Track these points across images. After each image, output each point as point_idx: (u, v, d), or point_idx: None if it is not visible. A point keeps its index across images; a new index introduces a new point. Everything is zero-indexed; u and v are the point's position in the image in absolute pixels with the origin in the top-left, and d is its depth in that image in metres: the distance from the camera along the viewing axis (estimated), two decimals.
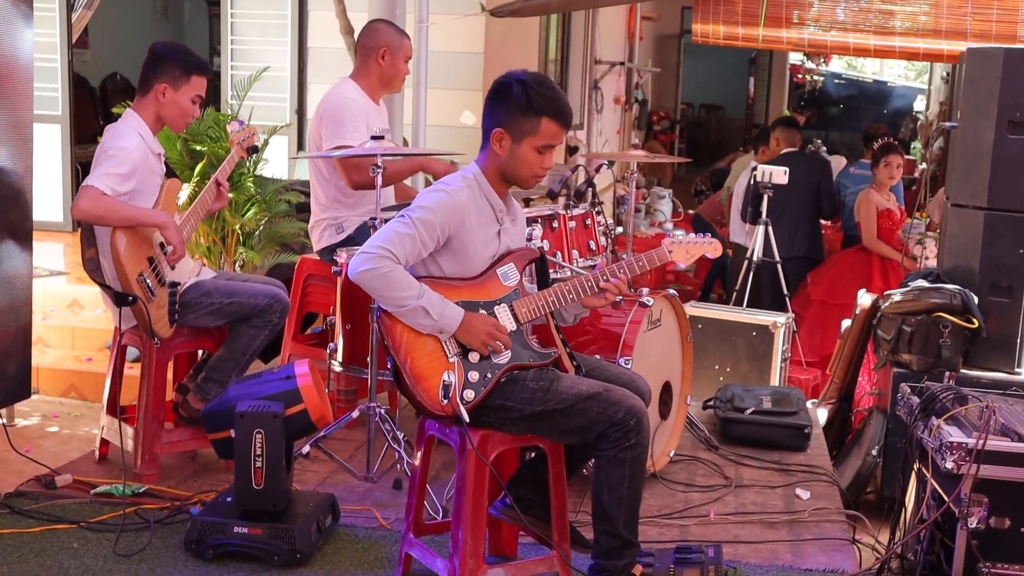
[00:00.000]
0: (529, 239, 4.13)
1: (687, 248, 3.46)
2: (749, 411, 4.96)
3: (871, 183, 8.07)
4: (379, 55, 4.76)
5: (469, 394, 3.14)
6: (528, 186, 3.34)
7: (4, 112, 4.21)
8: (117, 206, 3.89)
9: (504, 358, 3.19)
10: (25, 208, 4.44)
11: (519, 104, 3.17)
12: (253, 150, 4.44)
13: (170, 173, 4.29)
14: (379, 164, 4.07)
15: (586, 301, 3.34)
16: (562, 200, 4.54)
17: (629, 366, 4.04)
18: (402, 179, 4.93)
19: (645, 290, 4.38)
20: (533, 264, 3.42)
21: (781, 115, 17.07)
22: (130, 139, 3.99)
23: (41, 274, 6.81)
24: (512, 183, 3.31)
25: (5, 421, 5.08)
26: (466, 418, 3.11)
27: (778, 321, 6.00)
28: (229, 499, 3.66)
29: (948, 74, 14.36)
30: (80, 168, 8.30)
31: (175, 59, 4.10)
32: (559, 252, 4.36)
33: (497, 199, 3.30)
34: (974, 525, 3.70)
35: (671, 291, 4.48)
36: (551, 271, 4.14)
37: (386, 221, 4.10)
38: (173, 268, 4.11)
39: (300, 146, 8.22)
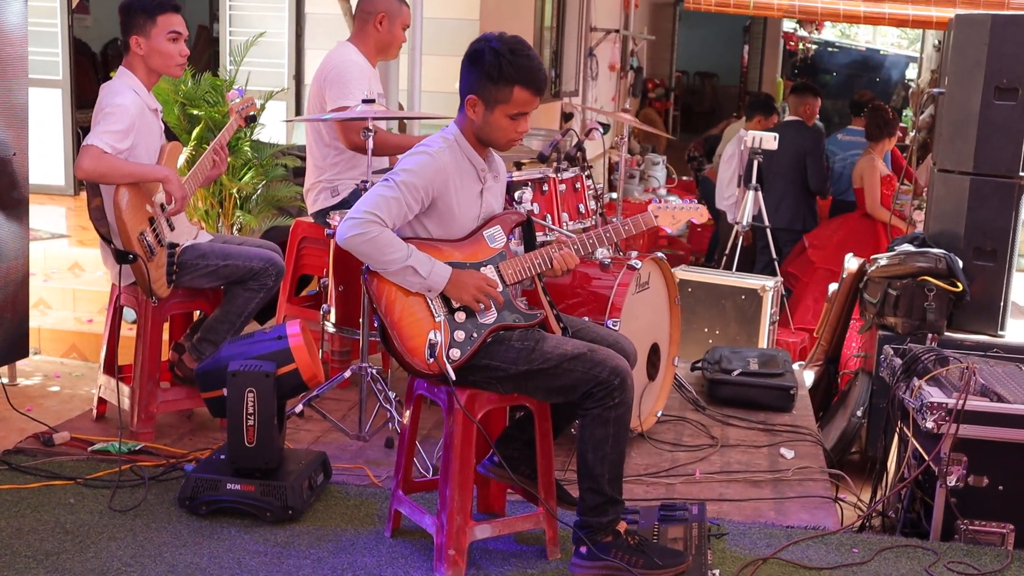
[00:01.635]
0: (519, 202, 4.19)
1: (673, 213, 3.51)
2: (736, 372, 5.04)
3: (866, 149, 8.07)
4: (377, 20, 4.80)
5: (455, 353, 3.20)
6: (504, 150, 3.40)
7: None
8: (119, 164, 3.95)
9: (490, 318, 3.26)
10: (13, 174, 4.44)
11: (491, 73, 3.19)
12: (251, 119, 4.48)
13: (171, 136, 4.33)
14: (370, 127, 4.12)
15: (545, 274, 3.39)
16: (553, 164, 4.59)
17: (617, 328, 4.10)
18: (396, 153, 4.96)
19: (634, 253, 4.44)
20: (520, 227, 3.48)
21: (775, 83, 17.08)
22: (125, 95, 4.04)
23: (42, 237, 6.90)
24: (489, 146, 3.37)
25: (7, 381, 5.16)
26: (452, 376, 3.18)
27: (766, 285, 6.06)
28: (223, 457, 3.74)
29: (940, 42, 14.35)
30: (81, 132, 8.36)
31: (137, 8, 4.11)
32: (549, 215, 4.41)
33: (478, 158, 3.35)
34: (953, 483, 3.79)
35: (659, 254, 4.54)
36: (540, 234, 4.21)
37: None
38: (173, 229, 4.17)
39: (298, 111, 8.26)
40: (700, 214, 3.54)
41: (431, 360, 3.18)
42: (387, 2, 4.82)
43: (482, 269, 3.29)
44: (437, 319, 3.22)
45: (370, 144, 4.15)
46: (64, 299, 6.49)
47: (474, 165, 3.34)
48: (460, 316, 3.23)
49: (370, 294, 3.27)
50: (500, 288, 3.29)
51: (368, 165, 4.19)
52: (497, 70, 3.19)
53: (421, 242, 3.27)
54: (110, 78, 4.23)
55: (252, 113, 4.45)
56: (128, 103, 4.02)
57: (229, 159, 5.86)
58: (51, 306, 6.45)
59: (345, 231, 3.18)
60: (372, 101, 4.26)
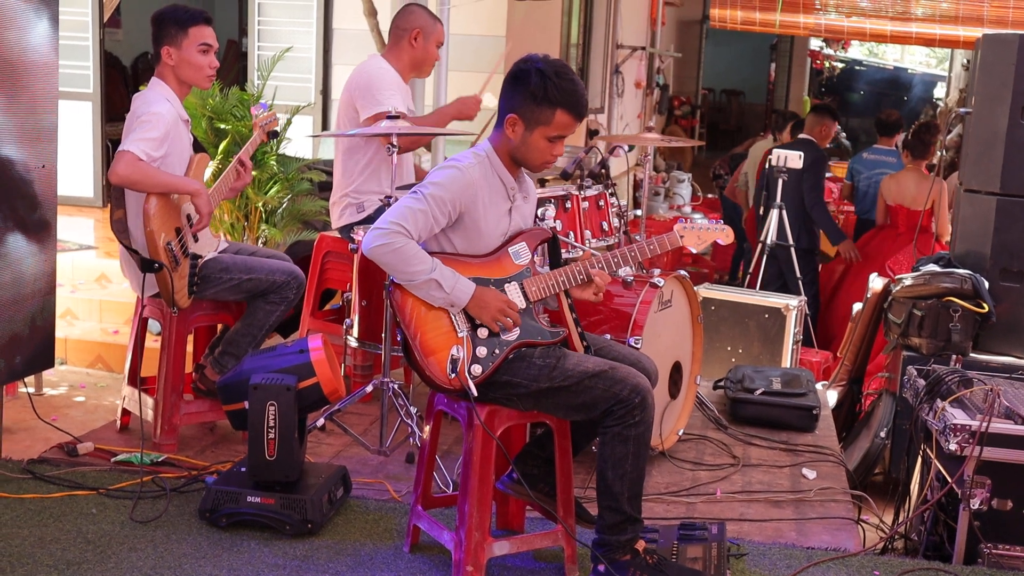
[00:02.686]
0: (542, 219, 4.20)
1: (699, 234, 3.50)
2: (759, 392, 5.02)
3: (908, 168, 7.92)
4: (412, 36, 4.83)
5: (476, 369, 3.20)
6: (537, 171, 3.41)
7: (18, 107, 4.19)
8: (152, 172, 3.98)
9: (513, 335, 3.26)
10: (34, 199, 4.33)
11: (535, 94, 3.21)
12: (273, 135, 4.53)
13: (198, 148, 4.37)
14: (394, 143, 4.14)
15: (572, 291, 3.39)
16: (576, 181, 4.60)
17: (639, 346, 4.10)
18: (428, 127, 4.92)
19: (656, 271, 4.44)
20: (545, 244, 3.49)
21: (801, 101, 17.05)
22: (160, 104, 4.09)
23: (70, 248, 6.97)
24: (522, 166, 3.38)
25: (33, 390, 5.20)
26: (474, 392, 3.18)
27: (790, 304, 6.04)
28: (243, 469, 3.75)
29: (968, 61, 14.29)
30: (111, 145, 8.45)
31: (169, 19, 4.18)
32: (572, 232, 4.42)
33: (509, 176, 3.36)
34: (976, 506, 3.76)
35: (682, 272, 4.53)
36: (563, 251, 4.22)
37: None
38: (196, 240, 4.21)
39: (324, 126, 8.31)
40: (726, 235, 3.51)
41: (452, 376, 3.18)
42: (422, 19, 4.85)
43: (506, 286, 3.29)
44: (460, 334, 3.22)
45: (394, 160, 4.16)
46: (91, 310, 6.55)
47: (504, 183, 3.35)
48: (483, 332, 3.23)
49: (393, 307, 3.28)
50: (524, 306, 3.29)
51: (392, 181, 4.21)
52: (542, 91, 3.21)
53: (446, 257, 3.28)
54: (139, 91, 4.27)
55: (275, 128, 4.49)
56: (163, 112, 4.06)
57: (256, 173, 5.92)
58: (78, 317, 6.51)
59: (370, 241, 3.19)
60: (398, 117, 4.27)
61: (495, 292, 3.26)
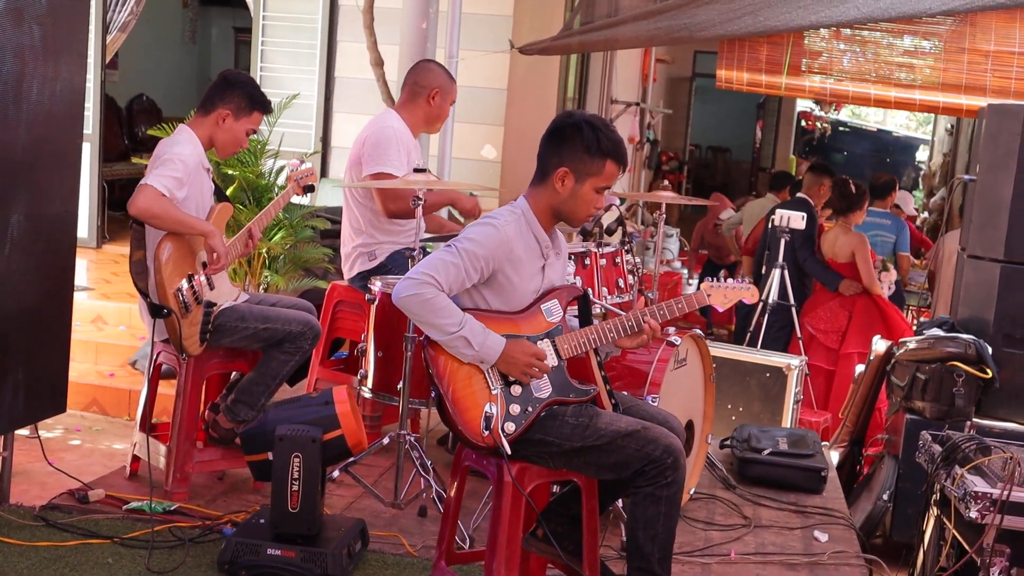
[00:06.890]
0: None
1: (725, 292, 3.53)
2: (766, 452, 5.03)
3: (839, 223, 7.95)
4: (430, 95, 4.90)
5: (510, 426, 3.20)
6: (579, 225, 3.43)
7: (47, 150, 4.16)
8: (172, 209, 3.98)
9: (545, 392, 3.26)
10: (54, 241, 4.28)
11: (589, 146, 3.26)
12: (309, 189, 4.56)
13: (221, 197, 4.37)
14: (420, 196, 4.16)
15: (619, 341, 3.41)
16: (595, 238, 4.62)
17: (656, 404, 4.11)
18: (434, 211, 5.02)
19: (672, 329, 4.46)
20: (577, 301, 3.50)
21: (787, 160, 17.23)
22: (184, 147, 4.11)
23: None
24: (564, 220, 3.39)
25: (28, 433, 5.12)
26: (508, 450, 3.17)
27: (792, 363, 6.07)
28: (263, 520, 3.72)
29: (952, 126, 14.52)
30: (106, 185, 8.42)
31: (243, 90, 4.22)
32: (590, 289, 4.42)
33: (543, 234, 3.38)
34: (996, 575, 3.76)
35: (697, 331, 4.56)
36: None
37: (424, 251, 4.21)
38: (212, 288, 4.19)
39: (323, 173, 8.31)
40: (751, 294, 3.54)
41: (486, 433, 3.18)
42: (441, 78, 4.92)
43: (538, 343, 3.30)
44: (494, 391, 3.22)
45: (419, 213, 4.18)
46: (86, 352, 6.48)
47: (539, 241, 3.36)
48: (516, 389, 3.23)
49: (427, 361, 3.26)
50: (556, 363, 3.29)
51: (416, 232, 4.22)
52: (595, 144, 3.26)
53: (479, 313, 3.28)
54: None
55: (310, 184, 4.52)
56: (187, 154, 4.07)
57: None
58: (73, 359, 6.40)
59: (401, 290, 3.19)
60: (423, 171, 4.30)
61: (523, 344, 3.25)
